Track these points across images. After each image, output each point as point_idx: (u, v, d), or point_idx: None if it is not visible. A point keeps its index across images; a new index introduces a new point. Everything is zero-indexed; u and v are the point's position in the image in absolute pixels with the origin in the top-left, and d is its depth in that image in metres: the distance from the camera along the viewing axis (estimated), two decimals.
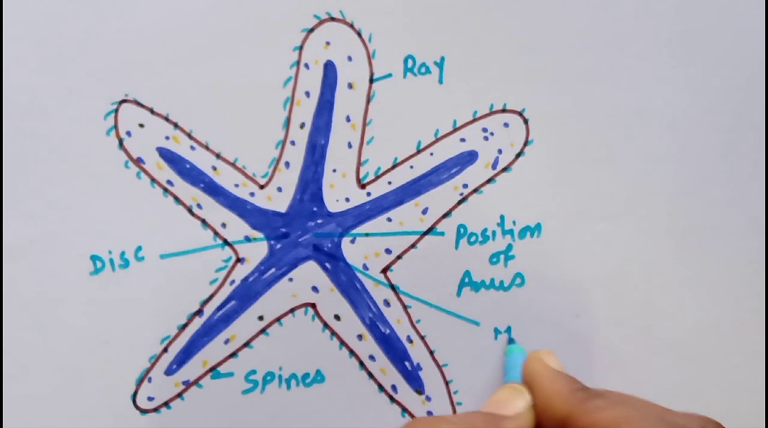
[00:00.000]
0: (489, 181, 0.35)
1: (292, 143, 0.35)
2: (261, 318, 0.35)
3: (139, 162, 0.34)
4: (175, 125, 0.34)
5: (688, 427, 0.26)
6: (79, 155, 0.34)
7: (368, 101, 0.35)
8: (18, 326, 0.34)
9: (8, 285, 0.34)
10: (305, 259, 0.35)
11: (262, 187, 0.35)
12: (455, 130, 0.35)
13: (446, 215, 0.35)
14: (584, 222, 0.35)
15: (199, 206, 0.35)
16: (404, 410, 0.36)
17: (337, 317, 0.35)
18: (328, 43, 0.34)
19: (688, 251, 0.36)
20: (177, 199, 0.35)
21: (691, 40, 0.35)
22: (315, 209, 0.35)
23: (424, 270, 0.35)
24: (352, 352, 0.35)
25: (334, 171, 0.35)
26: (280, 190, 0.35)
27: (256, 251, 0.35)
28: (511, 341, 0.35)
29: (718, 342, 0.36)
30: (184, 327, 0.35)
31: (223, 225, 0.35)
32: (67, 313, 0.34)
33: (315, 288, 0.35)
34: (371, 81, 0.35)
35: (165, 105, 0.34)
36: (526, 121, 0.35)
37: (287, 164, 0.35)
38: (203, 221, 0.35)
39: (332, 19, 0.34)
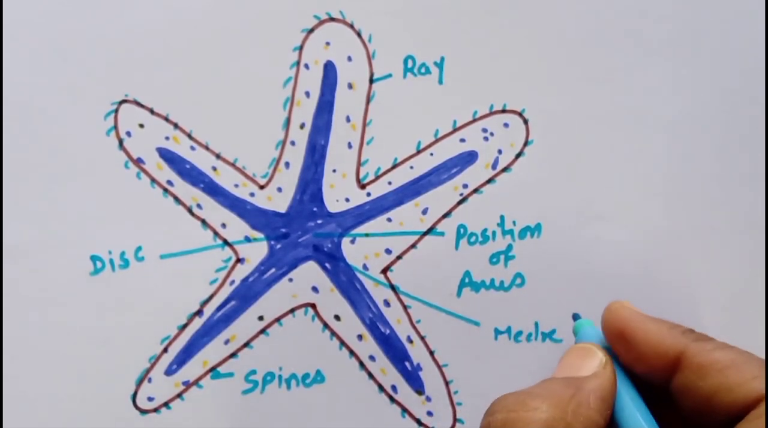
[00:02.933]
0: (489, 181, 0.35)
1: (292, 143, 0.35)
2: (261, 318, 0.35)
3: (139, 162, 0.34)
4: (175, 125, 0.34)
5: None
6: (79, 155, 0.34)
7: (368, 101, 0.35)
8: (18, 326, 0.34)
9: (8, 285, 0.34)
10: (305, 259, 0.35)
11: (262, 187, 0.35)
12: (455, 130, 0.35)
13: (446, 215, 0.35)
14: (584, 222, 0.35)
15: (199, 206, 0.35)
16: (404, 410, 0.36)
17: (337, 317, 0.35)
18: (328, 44, 0.35)
19: (688, 251, 0.36)
20: (177, 199, 0.35)
21: (691, 40, 0.35)
22: (315, 209, 0.35)
23: (424, 270, 0.35)
24: (352, 352, 0.35)
25: (334, 171, 0.35)
26: (280, 190, 0.35)
27: (256, 251, 0.35)
28: (576, 316, 0.34)
29: None
30: (184, 327, 0.35)
31: (223, 225, 0.35)
32: (67, 313, 0.34)
33: (315, 289, 0.35)
34: (371, 81, 0.35)
35: (165, 105, 0.34)
36: (526, 121, 0.35)
37: (287, 164, 0.35)
38: (203, 221, 0.35)
39: (332, 19, 0.34)
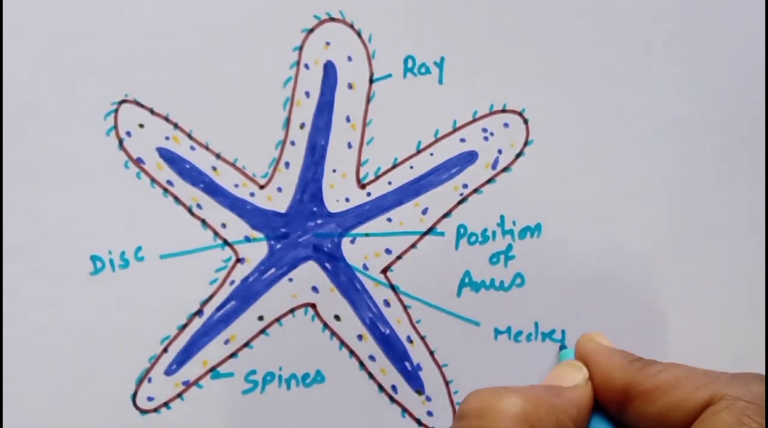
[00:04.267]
0: (489, 181, 0.35)
1: (292, 143, 0.35)
2: (261, 318, 0.35)
3: (139, 162, 0.34)
4: (175, 125, 0.34)
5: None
6: (79, 155, 0.34)
7: (368, 101, 0.35)
8: (18, 326, 0.34)
9: (8, 285, 0.34)
10: (305, 259, 0.35)
11: (262, 187, 0.35)
12: (455, 130, 0.35)
13: (446, 215, 0.35)
14: (584, 222, 0.35)
15: (199, 206, 0.35)
16: (404, 410, 0.36)
17: (337, 317, 0.35)
18: (328, 44, 0.35)
19: (688, 251, 0.36)
20: (177, 199, 0.35)
21: (691, 40, 0.35)
22: (315, 209, 0.35)
23: (424, 270, 0.35)
24: (352, 352, 0.35)
25: (334, 171, 0.35)
26: (280, 190, 0.35)
27: (256, 251, 0.35)
28: (563, 347, 0.35)
29: (718, 342, 0.36)
30: (184, 327, 0.35)
31: (223, 225, 0.35)
32: (67, 313, 0.34)
33: (315, 289, 0.35)
34: (371, 81, 0.35)
35: (165, 105, 0.34)
36: (526, 121, 0.35)
37: (287, 164, 0.35)
38: (203, 221, 0.35)
39: (332, 19, 0.34)
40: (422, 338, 0.36)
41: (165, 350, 0.35)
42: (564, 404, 0.28)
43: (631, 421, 0.29)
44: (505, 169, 0.35)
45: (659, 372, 0.28)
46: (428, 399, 0.36)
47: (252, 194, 0.35)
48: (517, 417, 0.27)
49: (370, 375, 0.36)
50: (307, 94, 0.35)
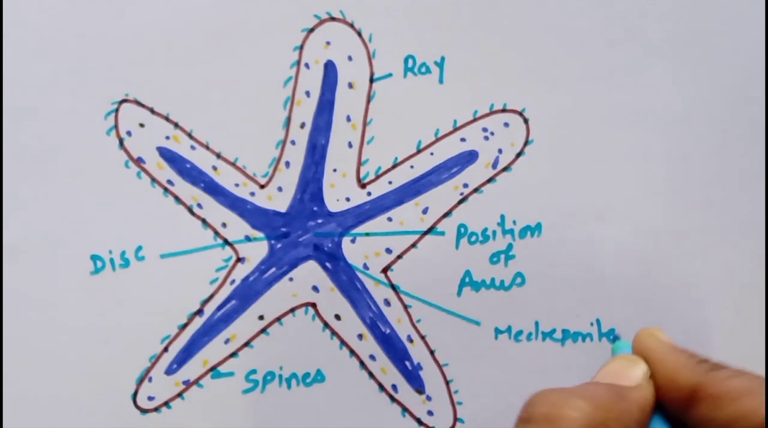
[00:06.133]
0: (489, 180, 0.35)
1: (293, 143, 0.35)
2: (261, 317, 0.35)
3: (139, 162, 0.34)
4: (176, 125, 0.34)
5: None
6: (79, 155, 0.34)
7: (368, 101, 0.35)
8: (18, 326, 0.34)
9: (8, 285, 0.34)
10: (305, 259, 0.35)
11: (262, 186, 0.35)
12: (455, 129, 0.35)
13: (446, 215, 0.35)
14: (584, 222, 0.36)
15: (199, 206, 0.35)
16: (404, 410, 0.36)
17: (337, 317, 0.35)
18: (328, 43, 0.35)
19: (688, 251, 0.36)
20: (177, 199, 0.35)
21: (691, 40, 0.35)
22: (315, 209, 0.35)
23: (425, 269, 0.35)
24: (352, 352, 0.35)
25: (335, 170, 0.35)
26: (280, 189, 0.35)
27: (257, 251, 0.35)
28: (617, 338, 0.34)
29: (718, 342, 0.36)
30: (184, 326, 0.35)
31: (224, 224, 0.35)
32: (67, 313, 0.34)
33: (315, 288, 0.35)
34: (371, 81, 0.35)
35: (165, 105, 0.34)
36: (526, 121, 0.35)
37: (287, 164, 0.35)
38: (203, 221, 0.35)
39: (332, 18, 0.34)
40: (422, 337, 0.36)
41: (165, 349, 0.35)
42: (630, 407, 0.27)
43: (694, 424, 0.28)
44: (505, 169, 0.35)
45: (729, 378, 0.27)
46: (428, 398, 0.36)
47: (252, 194, 0.35)
48: (586, 426, 0.26)
49: (371, 375, 0.36)
50: (308, 93, 0.35)
